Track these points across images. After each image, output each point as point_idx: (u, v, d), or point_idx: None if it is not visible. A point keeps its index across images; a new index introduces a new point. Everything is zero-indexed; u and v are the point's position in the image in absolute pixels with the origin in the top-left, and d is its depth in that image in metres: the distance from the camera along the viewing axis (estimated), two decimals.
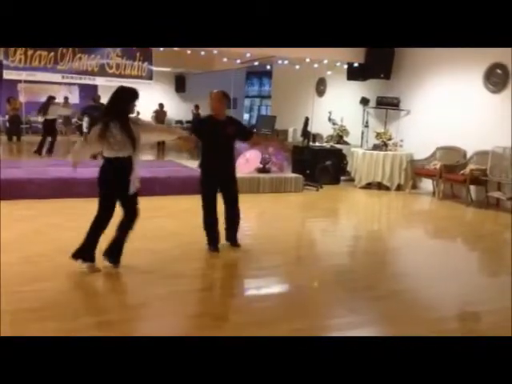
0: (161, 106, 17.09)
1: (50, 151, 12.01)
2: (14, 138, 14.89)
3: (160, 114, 17.05)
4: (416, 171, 8.96)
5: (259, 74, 17.79)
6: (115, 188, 3.89)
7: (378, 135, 9.30)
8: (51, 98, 12.57)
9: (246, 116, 19.85)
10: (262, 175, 8.29)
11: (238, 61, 11.63)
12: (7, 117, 15.43)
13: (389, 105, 9.66)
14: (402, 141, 9.29)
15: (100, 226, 3.91)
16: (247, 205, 7.39)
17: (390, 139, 9.25)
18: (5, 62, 12.19)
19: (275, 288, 4.17)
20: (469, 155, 8.25)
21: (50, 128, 12.27)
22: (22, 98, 15.56)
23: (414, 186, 9.23)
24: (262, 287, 4.08)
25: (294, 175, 8.64)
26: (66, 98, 15.62)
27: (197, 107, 17.11)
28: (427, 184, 9.14)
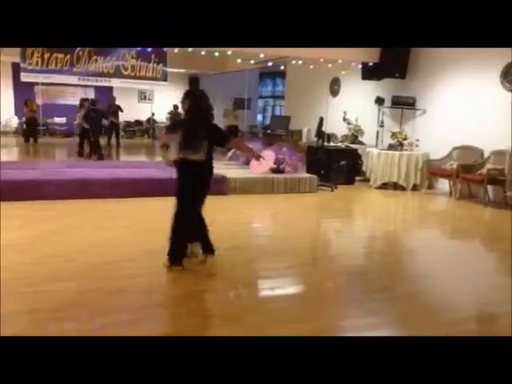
0: (175, 107, 17.16)
1: (80, 154, 12.18)
2: (31, 139, 15.11)
3: (174, 116, 17.12)
4: (432, 171, 8.87)
5: (273, 74, 17.78)
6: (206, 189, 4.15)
7: (394, 135, 9.23)
8: (83, 101, 12.57)
9: (259, 116, 19.86)
10: (276, 175, 8.28)
11: (252, 61, 11.65)
12: (24, 119, 15.67)
13: (404, 104, 9.57)
14: (417, 140, 9.21)
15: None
16: (261, 205, 7.41)
17: (405, 139, 9.18)
18: (22, 64, 12.40)
19: (290, 288, 4.17)
20: (486, 155, 8.15)
21: (81, 131, 12.41)
22: (38, 101, 15.81)
23: (430, 186, 9.14)
24: (277, 287, 4.07)
25: (308, 175, 8.61)
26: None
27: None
28: (443, 184, 9.04)
